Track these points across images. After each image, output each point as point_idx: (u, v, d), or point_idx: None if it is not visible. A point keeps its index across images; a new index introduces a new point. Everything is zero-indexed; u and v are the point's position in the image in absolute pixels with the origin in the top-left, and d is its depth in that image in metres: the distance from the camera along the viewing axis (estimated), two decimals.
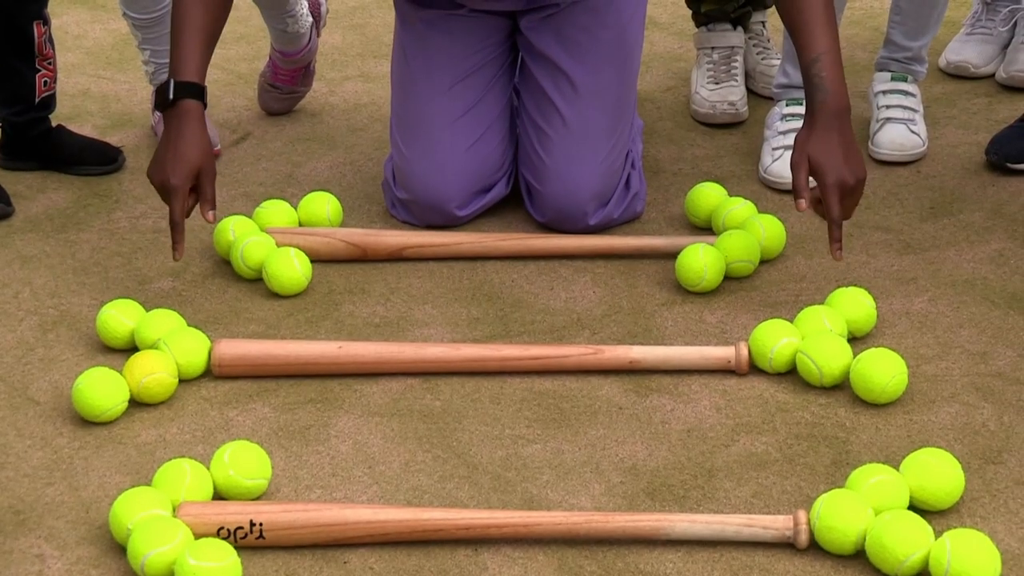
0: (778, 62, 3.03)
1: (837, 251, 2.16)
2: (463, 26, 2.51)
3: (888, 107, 2.83)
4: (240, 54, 3.40)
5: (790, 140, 2.73)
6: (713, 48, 3.03)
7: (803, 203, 2.15)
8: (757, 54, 3.11)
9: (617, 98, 2.53)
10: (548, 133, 2.52)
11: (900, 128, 2.80)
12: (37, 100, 2.75)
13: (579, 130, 2.50)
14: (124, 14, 2.87)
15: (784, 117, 2.77)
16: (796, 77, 2.79)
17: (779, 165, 2.69)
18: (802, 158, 2.14)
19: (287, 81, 3.05)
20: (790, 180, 2.65)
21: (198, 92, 2.20)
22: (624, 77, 2.53)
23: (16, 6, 2.68)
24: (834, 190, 2.13)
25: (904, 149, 2.79)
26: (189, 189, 2.18)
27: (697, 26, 3.09)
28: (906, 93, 2.84)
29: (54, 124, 2.83)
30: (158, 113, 2.93)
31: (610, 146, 2.52)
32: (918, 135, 2.80)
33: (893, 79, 2.86)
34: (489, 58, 2.54)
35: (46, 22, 2.74)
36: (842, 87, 2.15)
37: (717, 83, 2.99)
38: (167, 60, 2.88)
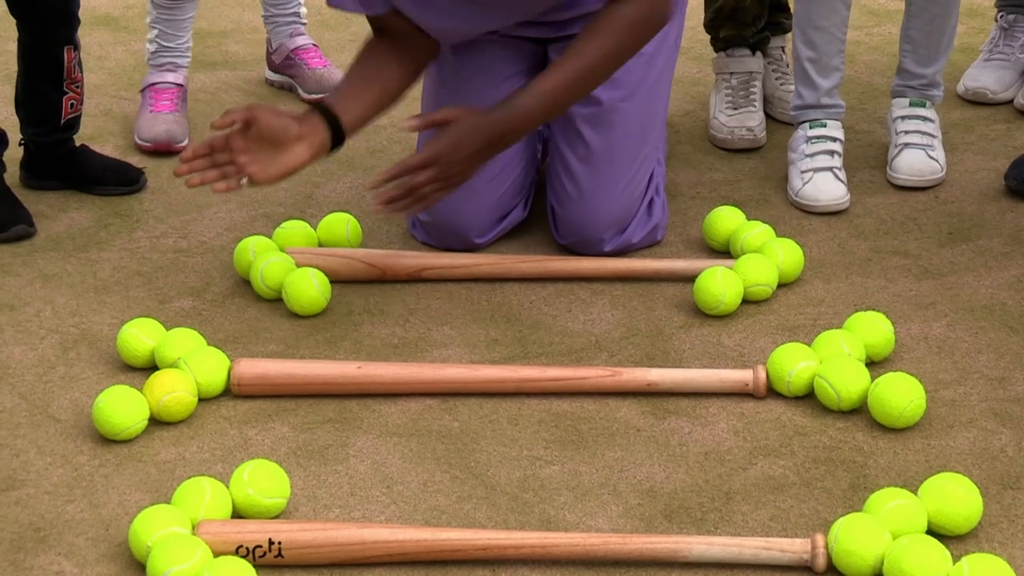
0: None
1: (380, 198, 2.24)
2: (493, 53, 2.52)
3: (906, 132, 2.83)
4: (260, 75, 3.41)
5: (818, 163, 2.73)
6: (732, 73, 3.03)
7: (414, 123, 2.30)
8: (776, 79, 3.11)
9: (643, 125, 2.52)
10: (570, 159, 2.53)
11: (918, 154, 2.80)
12: (62, 121, 2.77)
13: (602, 157, 2.50)
14: None
15: (810, 140, 2.77)
16: (810, 98, 2.79)
17: (810, 188, 2.70)
18: (451, 115, 2.26)
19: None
20: (823, 203, 2.69)
21: (323, 110, 2.32)
22: (651, 103, 2.53)
23: (48, 30, 2.70)
24: (433, 150, 2.24)
25: (922, 175, 2.79)
26: (245, 127, 2.21)
27: (716, 51, 3.10)
28: (924, 119, 2.84)
29: (77, 144, 2.85)
30: (145, 94, 3.06)
31: (632, 173, 2.52)
32: (936, 160, 2.81)
33: (911, 105, 2.86)
34: (518, 86, 2.54)
35: (76, 47, 2.76)
36: (524, 123, 2.28)
37: (735, 108, 3.00)
38: (171, 44, 3.05)
